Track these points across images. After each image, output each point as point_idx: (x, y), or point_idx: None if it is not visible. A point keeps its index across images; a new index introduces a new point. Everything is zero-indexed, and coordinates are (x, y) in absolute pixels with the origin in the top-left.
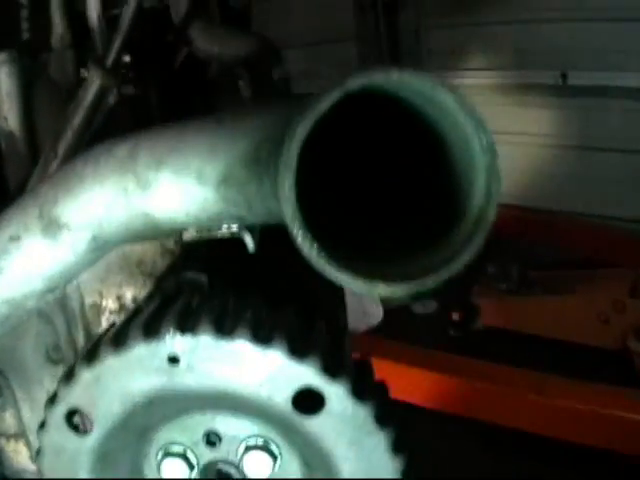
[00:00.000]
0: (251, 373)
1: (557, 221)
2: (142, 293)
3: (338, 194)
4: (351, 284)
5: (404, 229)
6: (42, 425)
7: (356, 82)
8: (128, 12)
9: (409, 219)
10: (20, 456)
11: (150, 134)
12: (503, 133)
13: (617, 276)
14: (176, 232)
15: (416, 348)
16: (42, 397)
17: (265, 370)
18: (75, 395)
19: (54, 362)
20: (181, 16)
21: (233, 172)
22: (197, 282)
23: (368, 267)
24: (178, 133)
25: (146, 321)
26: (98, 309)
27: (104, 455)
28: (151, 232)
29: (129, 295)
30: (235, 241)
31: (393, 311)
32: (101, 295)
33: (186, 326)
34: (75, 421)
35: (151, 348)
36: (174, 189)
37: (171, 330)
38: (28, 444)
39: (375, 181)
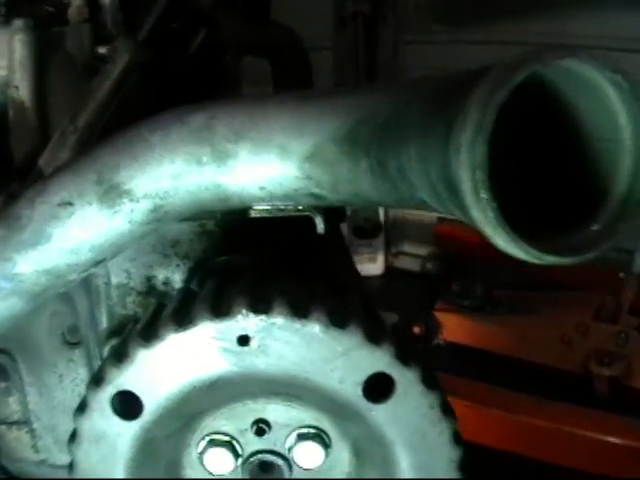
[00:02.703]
0: (324, 357)
1: None
2: (175, 276)
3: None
4: (523, 255)
5: (556, 206)
6: (81, 408)
7: (553, 57)
8: None
9: (559, 197)
10: (21, 445)
11: (227, 106)
12: None
13: (582, 299)
14: (244, 206)
15: None
16: (53, 382)
17: (339, 354)
18: (127, 376)
19: (70, 345)
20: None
21: (322, 150)
22: (243, 265)
23: (535, 241)
24: (258, 107)
25: (213, 298)
26: (125, 290)
27: (146, 444)
28: (219, 205)
29: (160, 277)
30: (272, 223)
31: None
32: (129, 275)
33: (259, 305)
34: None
35: (221, 327)
36: (253, 163)
37: (244, 309)
38: (32, 432)
39: (523, 162)
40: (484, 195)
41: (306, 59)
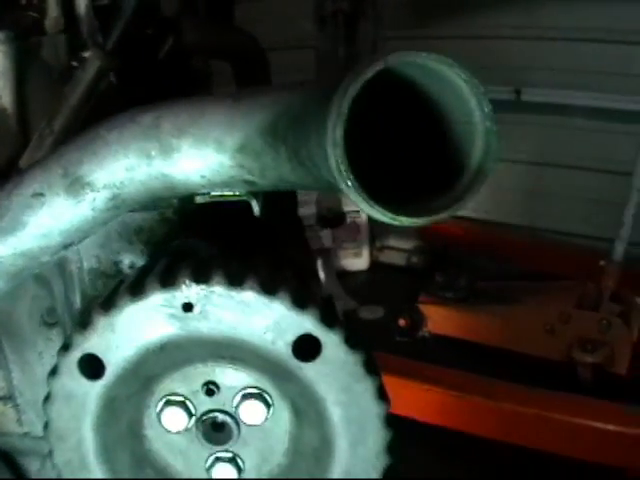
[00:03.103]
0: (257, 320)
1: (506, 234)
2: (140, 260)
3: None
4: (381, 217)
5: (419, 177)
6: (53, 372)
7: (396, 59)
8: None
9: (422, 170)
10: (6, 419)
11: (171, 107)
12: None
13: (564, 288)
14: (189, 194)
15: None
16: (34, 359)
17: (270, 318)
18: (90, 341)
19: (48, 325)
20: (173, 7)
21: (250, 142)
22: (197, 246)
23: (393, 205)
24: (198, 106)
25: (162, 273)
26: (95, 274)
27: (110, 402)
28: (167, 193)
29: (126, 261)
30: (225, 211)
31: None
32: (99, 260)
33: (200, 277)
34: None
35: (168, 296)
36: (194, 155)
37: (187, 280)
38: (16, 407)
39: (388, 140)
40: (343, 167)
41: (265, 62)
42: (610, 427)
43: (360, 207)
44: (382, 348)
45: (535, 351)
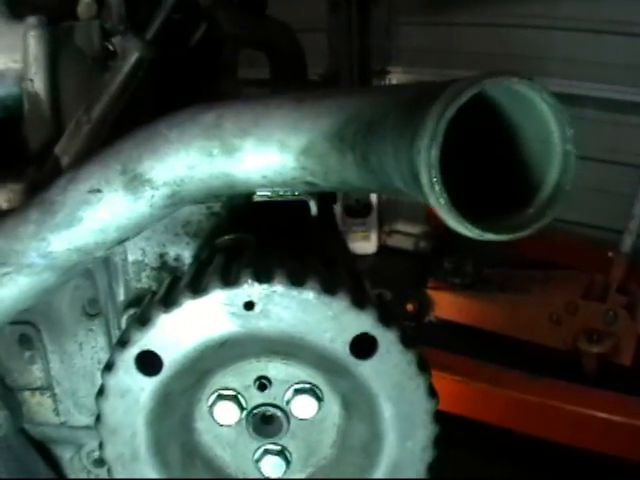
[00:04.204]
0: (317, 320)
1: None
2: (185, 253)
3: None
4: (467, 233)
5: (502, 194)
6: (108, 367)
7: (493, 83)
8: None
9: (505, 187)
10: (44, 409)
11: (232, 106)
12: None
13: (571, 278)
14: (248, 193)
15: None
16: (74, 350)
17: (329, 318)
18: (149, 338)
19: (90, 316)
20: None
21: (315, 145)
22: (250, 243)
23: (482, 221)
24: (260, 107)
25: (223, 271)
26: (140, 266)
27: (165, 396)
28: (227, 191)
29: (172, 254)
30: (270, 207)
31: None
32: (144, 253)
33: (262, 276)
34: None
35: (230, 294)
36: (256, 156)
37: (249, 279)
38: (53, 397)
39: (476, 158)
40: (437, 188)
41: (300, 52)
42: (614, 417)
43: (447, 222)
44: None
45: (541, 340)
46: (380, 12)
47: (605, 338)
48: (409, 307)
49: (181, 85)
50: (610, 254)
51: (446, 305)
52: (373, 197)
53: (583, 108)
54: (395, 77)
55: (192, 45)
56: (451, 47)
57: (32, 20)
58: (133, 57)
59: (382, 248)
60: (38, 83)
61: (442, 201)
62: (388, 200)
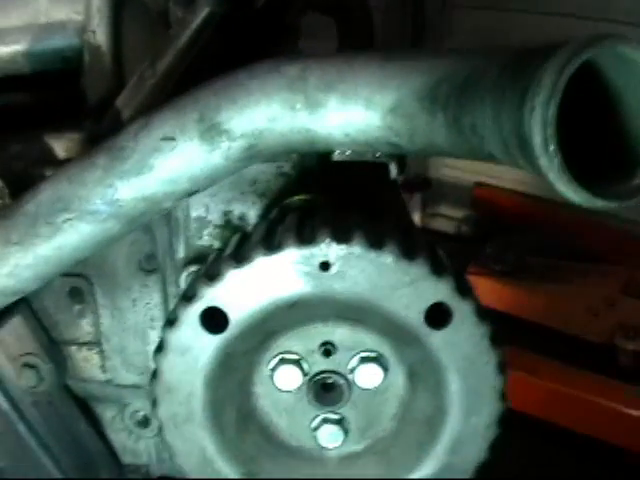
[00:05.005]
0: (394, 284)
1: (557, 211)
2: (251, 212)
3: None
4: (576, 199)
5: (607, 162)
6: (170, 322)
7: (611, 42)
8: None
9: (610, 156)
10: (90, 365)
11: (318, 60)
12: None
13: (611, 272)
14: (328, 150)
15: None
16: (126, 305)
17: (407, 283)
18: (217, 293)
19: (146, 271)
20: None
21: (404, 104)
22: (319, 203)
23: (588, 188)
24: (346, 62)
25: (298, 228)
26: (202, 222)
27: (226, 358)
28: (306, 148)
29: (237, 212)
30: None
31: None
32: (208, 209)
33: (341, 236)
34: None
35: (306, 253)
36: (341, 112)
37: (327, 239)
38: (101, 353)
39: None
40: (552, 147)
41: (370, 18)
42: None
43: (556, 186)
44: None
45: (578, 332)
46: None
47: None
48: None
49: (248, 45)
50: None
51: (486, 291)
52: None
53: None
54: None
55: (260, 4)
56: (504, 33)
57: None
58: (204, 11)
59: (424, 231)
60: (100, 35)
61: (556, 162)
62: (431, 182)
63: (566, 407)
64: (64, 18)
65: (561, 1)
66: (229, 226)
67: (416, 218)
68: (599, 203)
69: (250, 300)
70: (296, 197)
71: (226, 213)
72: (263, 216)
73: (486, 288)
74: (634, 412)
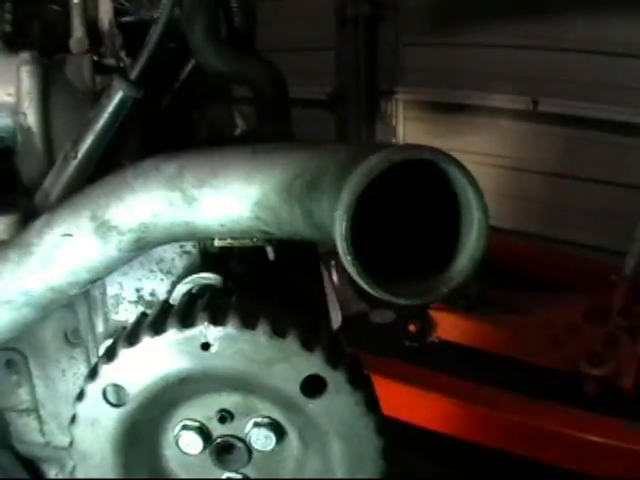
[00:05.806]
0: (269, 360)
1: (517, 243)
2: (160, 288)
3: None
4: (380, 296)
5: (415, 257)
6: (80, 397)
7: (399, 156)
8: (157, 29)
9: (419, 250)
10: (29, 429)
11: (193, 157)
12: (469, 153)
13: (573, 300)
14: (209, 239)
15: (371, 355)
16: (57, 375)
17: (280, 359)
18: (115, 371)
19: (72, 344)
20: (197, 33)
21: (267, 198)
22: (214, 283)
23: (390, 283)
24: (220, 159)
25: (181, 312)
26: (118, 299)
27: (132, 426)
28: (189, 238)
29: (147, 289)
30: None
31: (351, 319)
32: (122, 287)
33: (217, 319)
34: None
35: (187, 335)
36: (214, 206)
37: (205, 322)
38: (39, 419)
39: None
40: (349, 257)
41: (283, 88)
42: (613, 442)
43: (362, 285)
44: (391, 352)
45: (542, 362)
46: (387, 31)
47: (606, 361)
48: (412, 328)
49: (170, 117)
50: (613, 277)
51: (449, 326)
52: None
53: (587, 129)
54: (402, 97)
55: (181, 79)
56: (458, 68)
57: (25, 55)
58: (117, 96)
59: None
60: (30, 117)
61: (354, 269)
62: None
63: (528, 439)
64: None
65: (512, 33)
66: (142, 301)
67: None
68: (402, 301)
69: (143, 376)
70: (196, 275)
71: (138, 289)
72: (169, 292)
73: (450, 323)
74: (595, 439)
